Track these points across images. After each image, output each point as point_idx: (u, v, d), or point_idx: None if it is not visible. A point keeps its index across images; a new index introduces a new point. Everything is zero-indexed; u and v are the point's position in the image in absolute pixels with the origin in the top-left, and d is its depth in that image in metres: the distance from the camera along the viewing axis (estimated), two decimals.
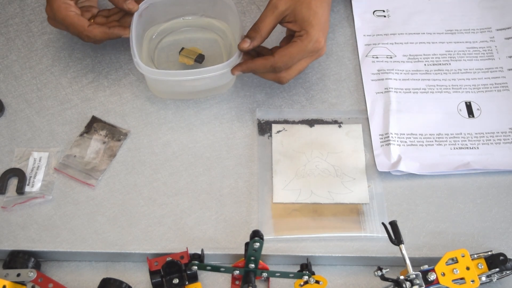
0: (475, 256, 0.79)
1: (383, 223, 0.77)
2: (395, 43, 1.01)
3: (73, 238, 0.83)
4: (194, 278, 0.78)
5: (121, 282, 0.78)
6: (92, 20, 0.93)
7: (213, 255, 0.82)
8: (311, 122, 0.93)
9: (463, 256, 0.77)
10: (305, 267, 0.79)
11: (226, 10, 0.96)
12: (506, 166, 0.89)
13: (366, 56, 1.00)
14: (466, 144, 0.91)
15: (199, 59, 0.95)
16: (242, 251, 0.79)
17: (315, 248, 0.82)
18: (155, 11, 0.96)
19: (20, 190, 0.86)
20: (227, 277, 0.82)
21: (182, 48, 0.96)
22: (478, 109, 0.94)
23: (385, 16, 1.05)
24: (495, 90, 0.96)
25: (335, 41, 1.02)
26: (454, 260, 0.77)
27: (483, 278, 0.77)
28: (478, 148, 0.91)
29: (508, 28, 1.03)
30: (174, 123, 0.93)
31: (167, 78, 0.90)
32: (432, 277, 0.75)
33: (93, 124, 0.92)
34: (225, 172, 0.89)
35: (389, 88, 0.96)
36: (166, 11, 0.98)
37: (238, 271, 0.77)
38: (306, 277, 0.77)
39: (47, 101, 0.95)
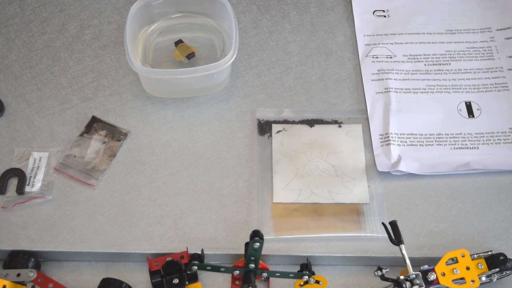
0: (475, 256, 0.79)
1: (383, 223, 0.77)
2: (395, 43, 1.01)
3: (73, 238, 0.83)
4: (194, 278, 0.78)
5: (121, 282, 0.78)
6: None
7: (213, 255, 0.82)
8: (311, 122, 0.93)
9: (463, 256, 0.77)
10: (305, 267, 0.79)
11: (221, 10, 0.96)
12: (506, 166, 0.89)
13: (366, 56, 1.00)
14: (466, 144, 0.91)
15: (190, 57, 0.96)
16: (242, 251, 0.79)
17: (315, 248, 0.82)
18: (151, 10, 0.97)
19: (20, 190, 0.86)
20: (227, 277, 0.82)
21: (180, 41, 0.97)
22: (478, 109, 0.94)
23: (385, 16, 1.05)
24: (495, 90, 0.96)
25: (335, 41, 1.02)
26: (454, 260, 0.77)
27: (483, 278, 0.77)
28: (478, 148, 0.91)
29: (508, 28, 1.02)
30: (174, 123, 0.93)
31: (157, 76, 0.90)
32: (432, 277, 0.75)
33: (93, 124, 0.92)
34: (225, 172, 0.89)
35: (389, 88, 0.96)
36: (162, 9, 0.98)
37: (238, 271, 0.77)
38: (306, 277, 0.77)
39: (47, 101, 0.95)
